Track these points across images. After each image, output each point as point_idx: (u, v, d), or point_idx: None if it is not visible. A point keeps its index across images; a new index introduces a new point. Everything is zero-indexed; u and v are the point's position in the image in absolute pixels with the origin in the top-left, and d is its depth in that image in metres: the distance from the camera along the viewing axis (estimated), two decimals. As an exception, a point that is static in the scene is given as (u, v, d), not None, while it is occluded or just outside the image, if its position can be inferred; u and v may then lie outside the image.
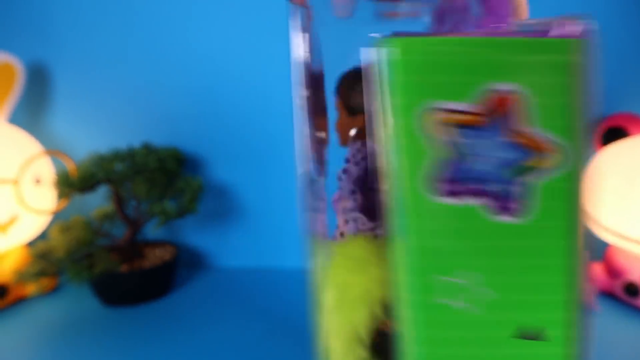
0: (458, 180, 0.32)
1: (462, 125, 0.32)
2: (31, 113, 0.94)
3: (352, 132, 0.45)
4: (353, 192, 0.45)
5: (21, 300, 0.83)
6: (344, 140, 0.45)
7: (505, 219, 0.33)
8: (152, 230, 0.90)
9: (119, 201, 0.81)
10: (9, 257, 0.80)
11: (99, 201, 0.88)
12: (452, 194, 0.33)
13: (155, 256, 0.87)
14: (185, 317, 0.78)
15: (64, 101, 0.94)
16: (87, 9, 0.90)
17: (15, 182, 0.76)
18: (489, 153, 0.32)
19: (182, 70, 0.90)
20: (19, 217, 0.78)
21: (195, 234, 0.99)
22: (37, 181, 0.81)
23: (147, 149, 0.84)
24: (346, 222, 0.45)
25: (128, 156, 0.81)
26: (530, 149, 0.32)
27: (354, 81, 0.42)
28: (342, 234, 0.46)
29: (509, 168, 0.32)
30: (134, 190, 0.81)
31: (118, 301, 0.82)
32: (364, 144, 0.44)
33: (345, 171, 0.46)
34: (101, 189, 0.84)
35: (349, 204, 0.45)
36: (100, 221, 0.84)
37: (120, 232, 0.85)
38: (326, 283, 0.43)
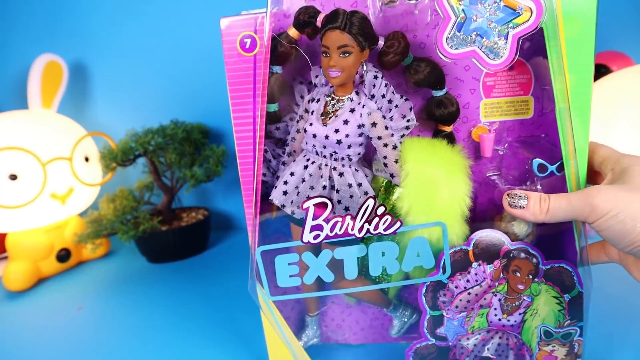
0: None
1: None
2: (75, 103, 1.05)
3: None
4: None
5: (81, 263, 0.95)
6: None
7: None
8: (186, 196, 1.00)
9: (156, 171, 0.92)
10: (68, 225, 0.92)
11: (138, 175, 0.99)
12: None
13: (190, 217, 0.97)
14: (219, 271, 0.86)
15: (102, 91, 1.05)
16: (117, 10, 0.99)
17: (70, 159, 0.88)
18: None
19: (204, 55, 0.97)
20: (74, 189, 0.89)
21: (223, 200, 1.08)
22: (86, 159, 0.92)
23: (175, 124, 0.94)
24: None
25: (160, 131, 0.91)
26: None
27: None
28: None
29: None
30: (167, 159, 0.91)
31: (161, 258, 0.92)
32: None
33: None
34: (139, 163, 0.95)
35: None
36: (141, 191, 0.95)
37: (158, 200, 0.96)
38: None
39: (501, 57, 0.42)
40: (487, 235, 0.46)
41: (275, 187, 0.50)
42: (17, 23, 1.03)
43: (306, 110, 0.50)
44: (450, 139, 0.49)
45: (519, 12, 0.41)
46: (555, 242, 0.47)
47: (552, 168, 0.45)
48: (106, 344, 0.64)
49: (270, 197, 0.50)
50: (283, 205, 0.49)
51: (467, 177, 0.46)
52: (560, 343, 0.47)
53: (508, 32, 0.42)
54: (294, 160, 0.51)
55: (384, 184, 0.50)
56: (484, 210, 0.49)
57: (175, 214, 0.97)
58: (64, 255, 0.90)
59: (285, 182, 0.49)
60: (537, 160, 0.45)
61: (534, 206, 0.41)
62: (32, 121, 0.88)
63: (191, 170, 0.90)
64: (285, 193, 0.49)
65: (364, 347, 0.58)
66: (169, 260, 0.92)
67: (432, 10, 0.45)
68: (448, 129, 0.49)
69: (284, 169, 0.52)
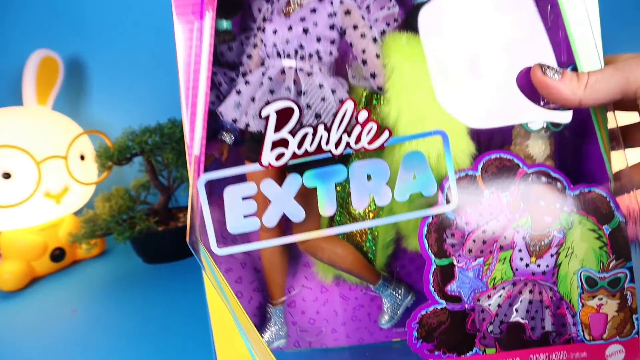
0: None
1: None
2: (71, 99, 1.04)
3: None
4: None
5: (76, 262, 0.93)
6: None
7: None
8: (183, 195, 0.98)
9: (152, 170, 0.90)
10: (63, 224, 0.91)
11: (134, 174, 0.97)
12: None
13: (187, 218, 0.94)
14: None
15: (98, 87, 1.04)
16: (115, 5, 0.99)
17: (65, 158, 0.87)
18: None
19: None
20: (69, 188, 0.88)
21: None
22: (82, 157, 0.91)
23: (173, 123, 0.92)
24: None
25: (157, 129, 0.89)
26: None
27: None
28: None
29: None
30: (164, 158, 0.89)
31: (157, 259, 0.90)
32: None
33: None
34: (136, 162, 0.93)
35: None
36: (137, 190, 0.93)
37: (155, 200, 0.94)
38: None
39: None
40: (497, 157, 0.37)
41: (225, 99, 0.40)
42: (12, 17, 1.03)
43: (264, 19, 0.41)
44: None
45: None
46: (580, 163, 0.39)
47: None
48: (100, 345, 0.63)
49: (218, 109, 0.40)
50: (235, 120, 0.39)
51: None
52: (608, 293, 0.37)
53: None
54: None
55: (364, 95, 0.41)
56: (489, 135, 0.39)
57: (172, 213, 0.96)
58: (58, 255, 0.88)
59: (239, 92, 0.40)
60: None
61: (570, 80, 0.34)
62: (26, 118, 0.87)
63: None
64: (238, 105, 0.39)
65: (347, 351, 0.46)
66: (165, 261, 0.90)
67: None
68: None
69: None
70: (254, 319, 0.44)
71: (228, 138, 0.41)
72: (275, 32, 0.40)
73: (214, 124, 0.40)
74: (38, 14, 1.01)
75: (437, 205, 0.36)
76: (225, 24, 0.42)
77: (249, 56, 0.42)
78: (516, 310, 0.38)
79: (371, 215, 0.41)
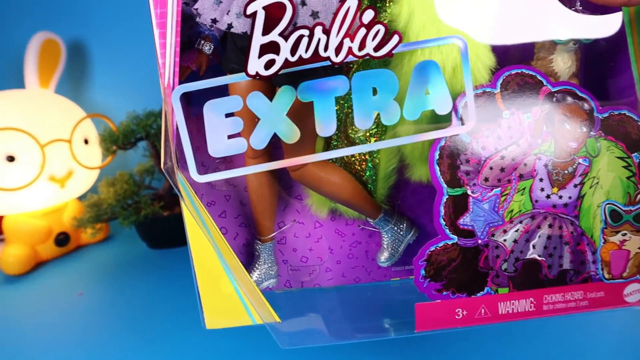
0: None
1: None
2: (74, 83, 1.03)
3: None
4: None
5: (80, 247, 0.92)
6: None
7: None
8: None
9: (157, 154, 0.89)
10: (67, 208, 0.90)
11: (138, 158, 0.96)
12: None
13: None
14: None
15: (101, 70, 1.03)
16: None
17: (69, 142, 0.86)
18: None
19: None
20: (73, 173, 0.87)
21: None
22: (86, 141, 0.90)
23: None
24: None
25: (161, 114, 0.88)
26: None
27: None
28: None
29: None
30: None
31: (162, 244, 0.89)
32: None
33: None
34: (140, 146, 0.92)
35: None
36: (141, 175, 0.92)
37: (160, 185, 0.93)
38: None
39: None
40: (519, 73, 0.32)
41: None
42: (13, 0, 1.01)
43: None
44: None
45: None
46: (609, 83, 0.35)
47: None
48: (105, 330, 0.62)
49: (194, 8, 0.33)
50: (214, 20, 0.33)
51: None
52: (633, 228, 0.34)
53: None
54: None
55: None
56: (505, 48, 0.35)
57: (177, 198, 0.94)
58: (62, 240, 0.87)
59: None
60: None
61: None
62: (29, 101, 0.86)
63: None
64: (218, 2, 0.32)
65: (342, 290, 0.42)
66: (170, 246, 0.89)
67: None
68: None
69: None
70: (241, 257, 0.41)
71: (207, 47, 0.35)
72: None
73: (188, 30, 0.35)
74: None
75: (450, 126, 0.32)
76: None
77: None
78: (533, 247, 0.35)
79: (373, 139, 0.37)
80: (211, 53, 0.35)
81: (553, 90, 0.33)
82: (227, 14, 0.33)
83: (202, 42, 0.35)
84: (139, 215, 0.84)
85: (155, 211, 0.86)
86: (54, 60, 0.92)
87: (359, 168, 0.39)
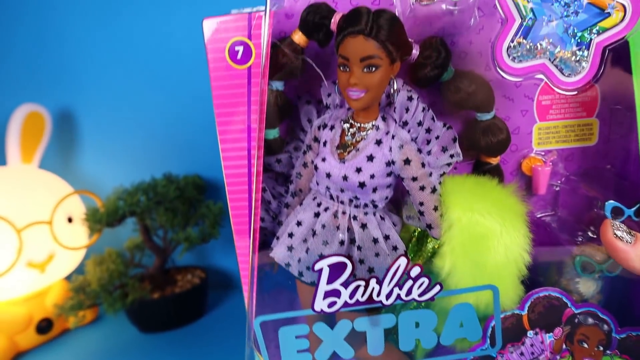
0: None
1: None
2: (60, 156, 0.98)
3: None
4: None
5: (65, 332, 0.86)
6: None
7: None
8: (180, 259, 0.91)
9: (146, 231, 0.84)
10: (50, 292, 0.84)
11: (129, 233, 0.91)
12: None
13: (185, 281, 0.88)
14: (219, 339, 0.79)
15: (90, 143, 0.98)
16: (105, 56, 0.93)
17: (49, 223, 0.80)
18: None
19: (199, 101, 0.90)
20: (55, 255, 0.81)
21: (223, 255, 1.00)
22: (70, 219, 0.84)
23: (168, 179, 0.86)
24: None
25: (150, 188, 0.83)
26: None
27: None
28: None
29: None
30: (158, 220, 0.84)
31: (154, 328, 0.84)
32: None
33: None
34: (130, 221, 0.86)
35: None
36: (131, 251, 0.87)
37: (151, 260, 0.88)
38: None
39: (579, 72, 0.34)
40: (546, 296, 0.38)
41: (277, 238, 0.41)
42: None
43: (316, 139, 0.40)
44: (498, 173, 0.40)
45: (608, 13, 0.32)
46: (631, 303, 0.39)
47: (629, 212, 0.36)
48: None
49: (271, 254, 0.41)
50: (287, 264, 0.40)
51: (526, 227, 0.37)
52: None
53: (591, 40, 0.33)
54: (300, 203, 0.41)
55: (416, 233, 0.42)
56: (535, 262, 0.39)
57: (168, 276, 0.89)
58: (45, 327, 0.81)
59: (291, 235, 0.40)
60: (611, 203, 0.36)
61: None
62: (8, 180, 0.81)
63: (185, 232, 0.82)
64: (290, 249, 0.40)
65: None
66: (162, 330, 0.84)
67: (477, 9, 0.36)
68: (494, 161, 0.40)
69: (287, 212, 0.42)
70: None
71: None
72: (328, 175, 0.38)
73: (263, 237, 0.42)
74: (23, 66, 0.95)
75: (479, 345, 0.38)
76: (272, 134, 0.41)
77: (299, 175, 0.42)
78: None
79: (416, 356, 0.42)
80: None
81: (576, 312, 0.37)
82: (298, 262, 0.40)
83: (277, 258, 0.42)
84: (126, 301, 0.79)
85: (144, 295, 0.80)
86: (37, 133, 0.86)
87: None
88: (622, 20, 0.32)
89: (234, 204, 0.40)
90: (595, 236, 0.39)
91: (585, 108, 0.39)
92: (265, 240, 0.43)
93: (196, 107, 0.90)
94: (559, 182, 0.41)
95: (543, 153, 0.40)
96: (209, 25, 0.37)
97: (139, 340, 0.82)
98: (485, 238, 0.36)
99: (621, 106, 0.36)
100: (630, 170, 0.39)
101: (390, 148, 0.37)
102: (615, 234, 0.34)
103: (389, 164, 0.37)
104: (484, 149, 0.39)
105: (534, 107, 0.39)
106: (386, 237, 0.39)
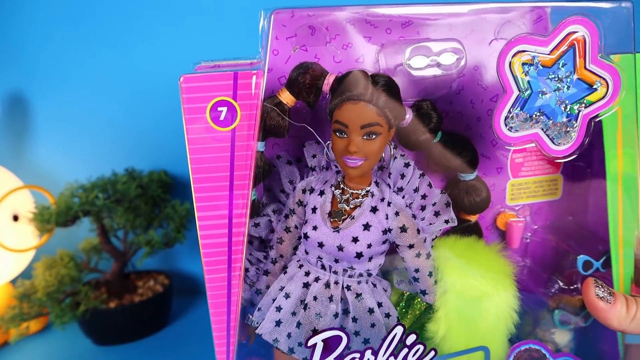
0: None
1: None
2: (9, 145, 0.91)
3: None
4: None
5: (6, 344, 0.78)
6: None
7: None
8: (140, 262, 0.85)
9: (104, 233, 0.77)
10: (-9, 298, 0.76)
11: (86, 233, 0.83)
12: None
13: (147, 288, 0.81)
14: (184, 352, 0.74)
15: (43, 131, 0.90)
16: (64, 37, 0.86)
17: (-9, 221, 0.71)
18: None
19: (166, 91, 0.82)
20: (-4, 258, 0.73)
21: (190, 260, 0.94)
22: (15, 217, 0.77)
23: (130, 175, 0.79)
24: None
25: (109, 185, 0.75)
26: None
27: None
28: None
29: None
30: (117, 221, 0.76)
31: (110, 340, 0.77)
32: None
33: None
34: (86, 220, 0.79)
35: None
36: (87, 254, 0.79)
37: (109, 264, 0.80)
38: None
39: (568, 142, 0.37)
40: (527, 349, 0.41)
41: (259, 309, 0.40)
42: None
43: (300, 203, 0.40)
44: (477, 231, 0.42)
45: (595, 88, 0.35)
46: (597, 347, 0.43)
47: (597, 264, 0.41)
48: None
49: (257, 331, 0.39)
50: (276, 340, 0.38)
51: (515, 287, 0.40)
52: None
53: (579, 112, 0.36)
54: (285, 272, 0.40)
55: (405, 296, 0.42)
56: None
57: (128, 282, 0.82)
58: (-20, 341, 0.73)
59: (279, 309, 0.38)
60: (582, 257, 0.41)
61: (620, 307, 0.36)
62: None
63: (147, 235, 0.75)
64: (278, 323, 0.38)
65: None
66: (120, 342, 0.77)
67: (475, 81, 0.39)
68: (473, 218, 0.42)
69: (267, 280, 0.41)
70: None
71: (255, 322, 0.40)
72: (321, 245, 0.38)
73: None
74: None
75: None
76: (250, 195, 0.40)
77: (280, 240, 0.41)
78: None
79: None
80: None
81: (553, 363, 0.41)
82: (287, 337, 0.38)
83: (250, 317, 0.40)
84: (77, 313, 0.71)
85: (98, 305, 0.73)
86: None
87: None
88: (605, 95, 0.35)
89: (210, 276, 0.38)
90: (566, 287, 0.43)
91: (552, 164, 0.43)
92: (242, 310, 0.40)
93: (164, 95, 0.82)
94: (529, 234, 0.44)
95: (516, 208, 0.43)
96: (188, 83, 0.34)
97: (93, 354, 0.75)
98: (479, 301, 0.39)
99: (582, 163, 0.40)
100: (589, 220, 0.42)
101: (387, 215, 0.38)
102: (597, 294, 0.36)
103: (386, 232, 0.38)
104: (467, 208, 0.41)
105: (507, 165, 0.42)
106: (379, 305, 0.39)
